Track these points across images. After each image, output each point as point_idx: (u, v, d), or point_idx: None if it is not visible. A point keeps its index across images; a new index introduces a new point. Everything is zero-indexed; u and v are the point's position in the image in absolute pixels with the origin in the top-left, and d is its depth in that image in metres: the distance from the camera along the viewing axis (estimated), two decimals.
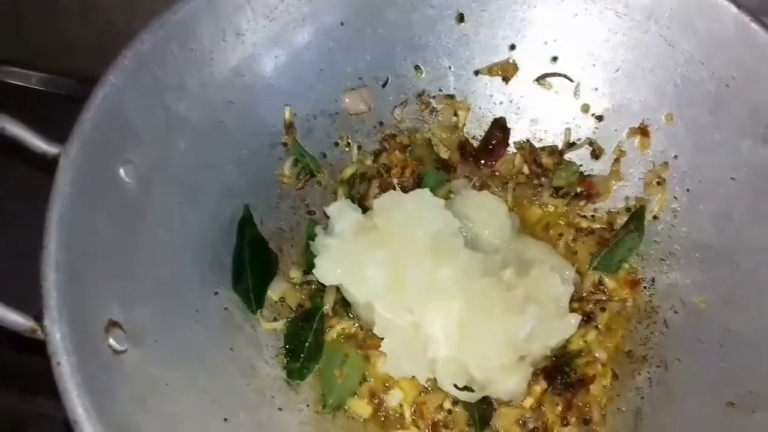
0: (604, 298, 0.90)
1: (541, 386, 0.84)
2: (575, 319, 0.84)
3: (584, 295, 0.90)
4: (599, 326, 0.88)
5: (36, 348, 0.67)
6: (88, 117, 0.73)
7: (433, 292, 0.80)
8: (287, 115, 0.93)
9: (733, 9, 0.86)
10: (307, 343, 0.86)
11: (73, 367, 0.64)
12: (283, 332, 0.88)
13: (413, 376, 0.84)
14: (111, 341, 0.70)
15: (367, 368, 0.86)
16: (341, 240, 0.85)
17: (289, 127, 0.93)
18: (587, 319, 0.88)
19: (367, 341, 0.87)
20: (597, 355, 0.86)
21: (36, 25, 1.31)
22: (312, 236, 0.89)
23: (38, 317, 0.66)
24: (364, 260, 0.82)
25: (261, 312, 0.87)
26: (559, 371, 0.85)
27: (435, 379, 0.84)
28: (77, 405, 0.63)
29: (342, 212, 0.87)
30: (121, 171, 0.77)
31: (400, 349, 0.82)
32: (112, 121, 0.75)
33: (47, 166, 0.73)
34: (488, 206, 0.91)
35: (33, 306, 0.67)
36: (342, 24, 0.93)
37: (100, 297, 0.71)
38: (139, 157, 0.78)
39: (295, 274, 0.91)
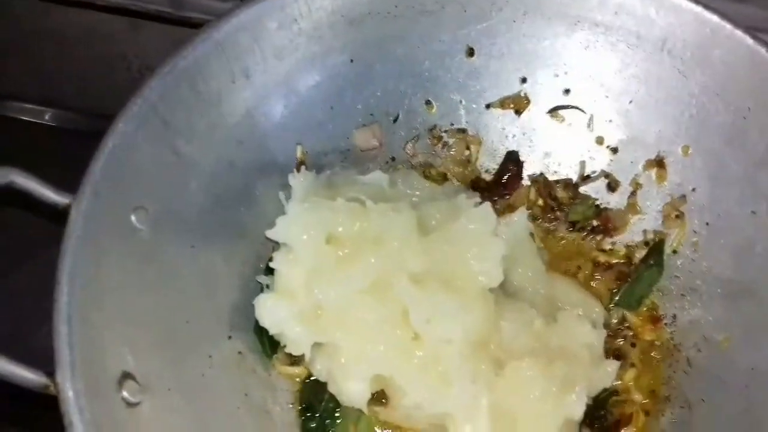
0: (631, 334, 0.89)
1: None
2: (613, 365, 0.82)
3: (613, 330, 0.89)
4: (635, 364, 0.86)
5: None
6: (99, 166, 0.72)
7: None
8: (299, 153, 0.92)
9: (749, 41, 0.85)
10: (323, 402, 0.85)
11: (86, 426, 0.63)
12: (298, 382, 0.86)
13: None
14: (124, 394, 0.69)
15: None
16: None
17: (300, 165, 0.93)
18: (617, 356, 0.86)
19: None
20: (635, 397, 0.84)
21: (47, 61, 1.32)
22: None
23: (50, 372, 0.65)
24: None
25: (276, 356, 0.86)
26: (596, 416, 0.83)
27: None
28: None
29: None
30: (133, 217, 0.76)
31: None
32: (122, 168, 0.75)
33: (55, 214, 0.72)
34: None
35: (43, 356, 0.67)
36: (351, 61, 0.92)
37: (112, 348, 0.70)
38: (151, 202, 0.78)
39: None
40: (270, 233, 0.85)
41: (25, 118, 1.27)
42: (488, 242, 0.83)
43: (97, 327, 0.69)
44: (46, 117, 1.28)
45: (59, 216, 0.72)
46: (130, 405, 0.69)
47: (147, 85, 0.76)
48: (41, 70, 1.31)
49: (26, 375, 0.64)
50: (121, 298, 0.73)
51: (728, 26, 0.86)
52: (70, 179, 0.73)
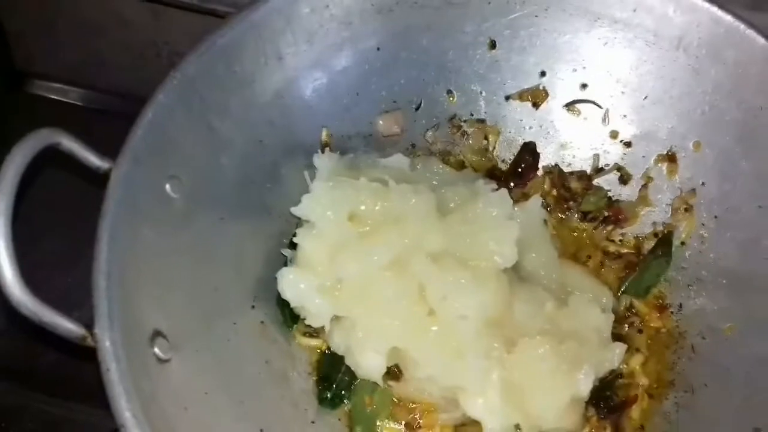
0: (638, 321, 0.92)
1: (591, 414, 0.85)
2: (620, 348, 0.85)
3: (620, 317, 0.92)
4: (641, 349, 0.89)
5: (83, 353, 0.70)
6: (139, 134, 0.76)
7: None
8: (324, 136, 0.96)
9: (762, 41, 0.88)
10: (340, 374, 0.88)
11: (122, 374, 0.66)
12: (317, 353, 0.90)
13: None
14: (156, 350, 0.73)
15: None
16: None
17: (325, 147, 0.96)
18: (625, 341, 0.89)
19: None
20: (641, 381, 0.87)
21: (73, 42, 1.35)
22: None
23: (89, 325, 0.68)
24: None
25: (296, 327, 0.90)
26: (601, 397, 0.86)
27: None
28: (125, 410, 0.65)
29: None
30: (168, 186, 0.80)
31: None
32: (160, 138, 0.78)
33: (95, 177, 0.76)
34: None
35: (78, 311, 0.70)
36: (378, 49, 0.96)
37: (146, 307, 0.74)
38: (185, 173, 0.81)
39: None
40: (295, 210, 0.89)
41: (51, 96, 1.32)
42: (504, 225, 0.87)
43: (131, 285, 0.72)
44: (71, 96, 1.32)
45: (98, 179, 0.76)
46: (160, 361, 0.73)
47: (186, 60, 0.80)
48: (65, 50, 1.34)
49: (68, 326, 0.67)
50: (155, 260, 0.76)
51: (742, 26, 0.89)
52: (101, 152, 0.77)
